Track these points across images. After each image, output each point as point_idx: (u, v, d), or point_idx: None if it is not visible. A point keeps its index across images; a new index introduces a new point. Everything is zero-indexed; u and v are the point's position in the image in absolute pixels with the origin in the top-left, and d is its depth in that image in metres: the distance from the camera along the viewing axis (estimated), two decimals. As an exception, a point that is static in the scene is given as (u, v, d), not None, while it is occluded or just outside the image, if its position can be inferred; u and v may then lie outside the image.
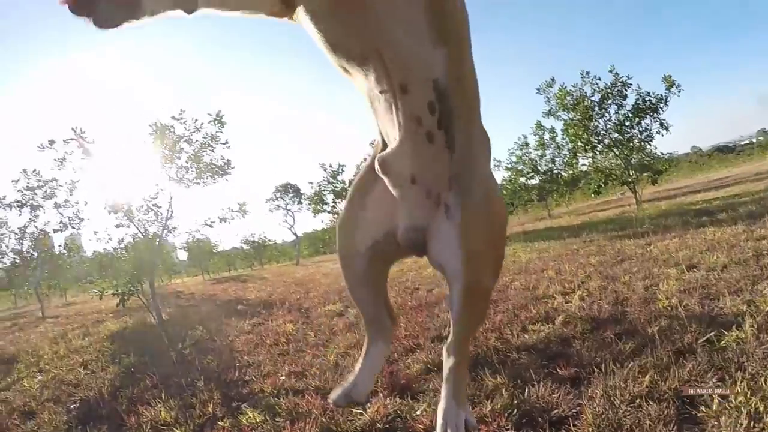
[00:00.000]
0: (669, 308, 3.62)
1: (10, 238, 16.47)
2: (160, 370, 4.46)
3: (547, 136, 25.38)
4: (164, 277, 29.79)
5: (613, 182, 18.58)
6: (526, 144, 27.02)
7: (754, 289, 3.62)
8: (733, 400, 2.04)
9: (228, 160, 9.47)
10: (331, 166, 29.35)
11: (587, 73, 17.09)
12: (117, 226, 8.91)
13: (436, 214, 1.46)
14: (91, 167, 8.66)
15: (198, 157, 8.96)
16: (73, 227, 15.25)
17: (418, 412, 2.59)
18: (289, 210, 36.47)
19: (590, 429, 2.09)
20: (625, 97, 16.84)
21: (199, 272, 39.34)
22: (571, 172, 25.65)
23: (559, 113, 18.11)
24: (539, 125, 25.02)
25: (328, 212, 30.50)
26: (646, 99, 16.62)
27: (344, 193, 28.30)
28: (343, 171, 29.31)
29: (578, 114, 17.05)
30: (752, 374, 2.25)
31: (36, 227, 16.21)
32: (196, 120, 8.95)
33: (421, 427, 2.45)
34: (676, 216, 10.04)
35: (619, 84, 16.78)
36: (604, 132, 17.12)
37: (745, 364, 2.37)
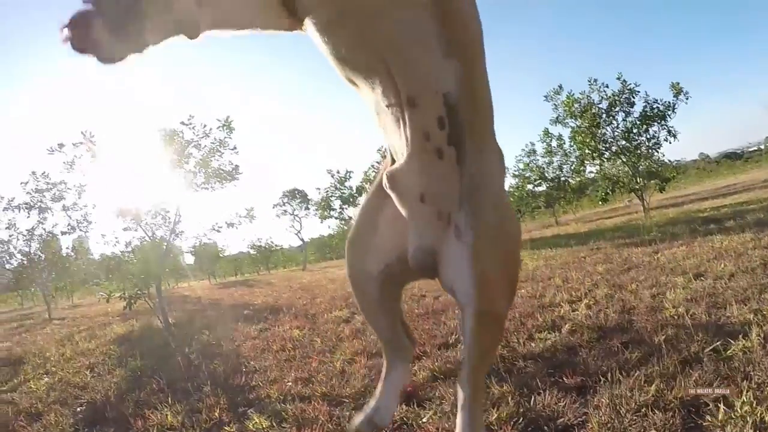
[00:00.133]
0: (676, 317, 3.61)
1: (18, 239, 16.53)
2: (166, 374, 4.47)
3: (554, 143, 25.49)
4: (171, 281, 29.83)
5: (621, 189, 18.52)
6: (534, 151, 27.11)
7: (761, 298, 3.61)
8: (738, 409, 2.04)
9: (236, 166, 9.51)
10: (338, 172, 29.46)
11: (595, 80, 17.07)
12: (125, 230, 8.97)
13: (447, 236, 1.36)
14: (99, 171, 8.73)
15: (206, 162, 9.00)
16: (81, 230, 15.33)
17: (424, 420, 2.60)
18: (297, 215, 36.59)
19: (596, 438, 2.09)
20: (632, 104, 16.80)
21: (206, 276, 39.37)
22: (578, 179, 25.67)
23: (566, 120, 18.07)
24: (547, 132, 25.10)
25: (336, 218, 30.57)
26: (654, 106, 16.57)
27: (351, 199, 28.37)
28: (350, 177, 29.40)
29: (586, 121, 17.01)
30: (758, 383, 2.25)
31: (44, 229, 16.33)
32: (204, 125, 9.00)
33: (427, 434, 2.45)
34: (683, 224, 10.02)
35: (626, 91, 16.73)
36: (612, 139, 17.06)
37: (752, 373, 2.37)
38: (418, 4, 1.19)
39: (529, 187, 28.13)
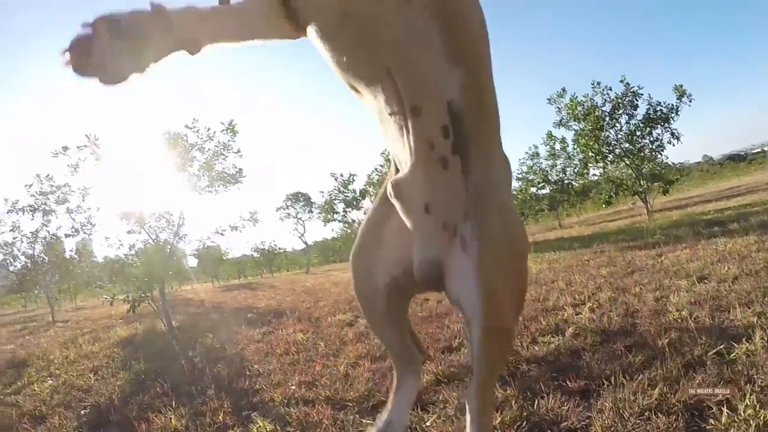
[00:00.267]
0: (679, 320, 3.61)
1: (22, 242, 16.62)
2: (170, 378, 4.47)
3: (558, 146, 25.48)
4: (174, 284, 29.87)
5: (624, 192, 18.50)
6: (537, 154, 27.12)
7: (764, 301, 3.61)
8: (742, 413, 2.04)
9: (240, 169, 9.54)
10: (342, 175, 29.45)
11: (598, 83, 17.08)
12: (128, 232, 9.00)
13: (452, 247, 1.33)
14: (103, 174, 8.76)
15: (210, 165, 9.03)
16: (85, 233, 15.37)
17: (428, 423, 2.60)
18: (300, 218, 36.69)
19: (599, 442, 2.09)
20: (636, 107, 16.78)
21: (209, 279, 39.43)
22: (581, 182, 25.65)
23: (570, 123, 18.07)
24: (550, 135, 25.08)
25: (339, 221, 30.57)
26: (657, 109, 16.56)
27: (355, 203, 28.37)
28: (354, 180, 29.39)
29: (589, 124, 17.00)
30: (762, 387, 2.25)
31: (48, 232, 16.43)
32: (208, 129, 9.04)
33: (431, 437, 2.45)
34: (687, 226, 10.01)
35: (630, 94, 16.73)
36: (615, 142, 17.05)
37: (755, 376, 2.37)
38: (420, 9, 1.17)
39: (533, 190, 28.15)
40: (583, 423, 2.30)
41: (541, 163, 27.10)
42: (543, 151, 26.63)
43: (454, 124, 1.26)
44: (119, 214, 8.85)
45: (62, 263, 18.22)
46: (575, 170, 24.31)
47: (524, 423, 2.38)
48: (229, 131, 9.10)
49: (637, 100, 16.76)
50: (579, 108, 17.33)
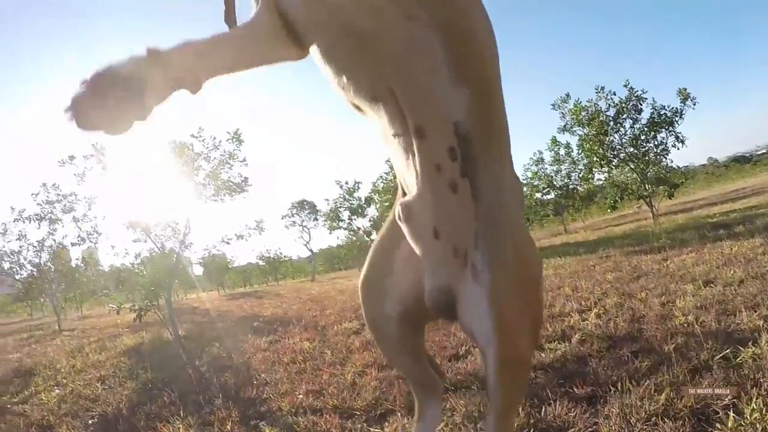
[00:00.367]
0: (685, 325, 3.61)
1: (28, 250, 16.68)
2: (178, 387, 4.48)
3: (562, 151, 25.50)
4: (179, 292, 29.89)
5: (630, 196, 18.46)
6: (542, 159, 27.15)
7: (770, 305, 3.60)
8: (748, 416, 2.04)
9: (245, 178, 9.56)
10: (347, 182, 29.43)
11: (602, 88, 17.07)
12: (134, 241, 9.03)
13: (464, 275, 1.26)
14: (110, 182, 8.79)
15: (216, 174, 9.05)
16: (91, 241, 15.44)
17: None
18: (305, 226, 36.71)
19: (606, 448, 2.10)
20: (640, 111, 16.75)
21: (215, 287, 39.44)
22: (587, 186, 25.59)
23: (574, 128, 18.06)
24: (554, 141, 25.10)
25: (344, 229, 30.56)
26: (662, 113, 16.54)
27: (360, 210, 28.35)
28: (359, 188, 29.36)
29: (593, 129, 16.98)
30: (768, 391, 2.25)
31: (54, 240, 16.51)
32: (214, 138, 9.06)
33: (438, 445, 2.45)
34: (692, 230, 9.98)
35: (634, 98, 16.71)
36: (620, 146, 17.02)
37: (761, 380, 2.37)
38: (422, 25, 1.12)
39: (538, 195, 28.14)
40: (590, 429, 2.31)
41: (546, 168, 27.15)
42: (548, 156, 26.71)
43: (462, 146, 1.21)
44: (125, 223, 8.88)
45: (68, 272, 18.26)
46: (580, 175, 24.23)
47: (532, 430, 2.39)
48: (234, 140, 9.13)
49: (641, 104, 16.74)
50: (583, 113, 17.32)
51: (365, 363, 4.29)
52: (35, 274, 16.97)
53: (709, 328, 3.40)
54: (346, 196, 29.27)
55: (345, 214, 29.84)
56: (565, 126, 18.46)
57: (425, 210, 1.27)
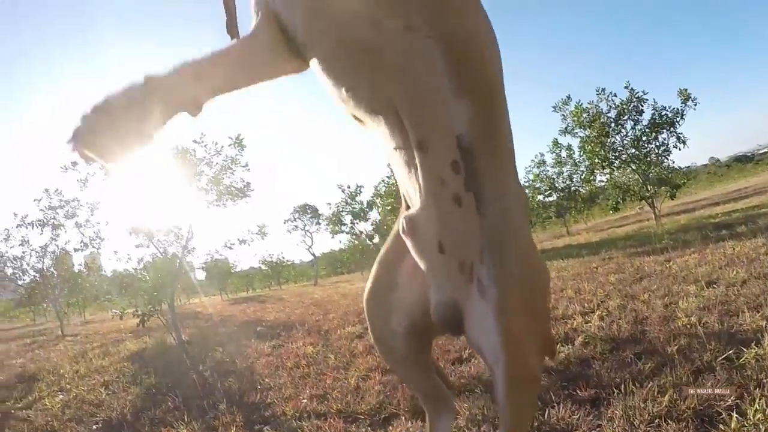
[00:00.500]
0: (688, 326, 3.61)
1: (31, 255, 16.78)
2: (181, 392, 4.49)
3: (564, 153, 25.44)
4: (182, 297, 29.90)
5: (632, 198, 18.43)
6: (543, 162, 27.10)
7: (773, 305, 3.61)
8: (751, 417, 2.05)
9: (247, 183, 9.59)
10: (349, 186, 29.45)
11: (603, 89, 17.06)
12: (137, 246, 9.06)
13: (470, 290, 1.22)
14: (112, 188, 8.83)
15: (218, 179, 9.08)
16: (94, 246, 15.52)
17: (438, 434, 2.61)
18: (308, 230, 36.74)
19: (610, 450, 2.10)
20: (641, 112, 16.73)
21: (217, 292, 39.44)
22: (588, 188, 25.57)
23: (575, 130, 18.04)
24: (556, 143, 25.06)
25: (347, 233, 30.56)
26: (663, 114, 16.52)
27: (362, 214, 28.37)
28: (361, 192, 29.39)
29: (595, 131, 16.96)
30: (772, 391, 2.26)
31: (57, 246, 16.62)
32: (216, 143, 9.10)
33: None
34: (695, 230, 9.99)
35: (635, 100, 16.69)
36: (621, 148, 17.00)
37: (764, 381, 2.38)
38: (423, 36, 1.10)
39: (540, 197, 28.10)
40: None
41: (548, 170, 27.10)
42: (549, 158, 26.65)
43: (465, 159, 1.18)
44: (128, 229, 8.91)
45: (71, 277, 18.33)
46: (582, 177, 24.20)
47: (535, 432, 2.39)
48: (236, 145, 9.16)
49: (642, 106, 16.72)
50: (584, 115, 17.30)
51: (369, 367, 4.30)
52: (38, 279, 17.04)
53: (712, 329, 3.40)
54: (348, 200, 29.30)
55: (347, 218, 29.89)
56: (566, 128, 18.45)
57: (429, 224, 1.25)
